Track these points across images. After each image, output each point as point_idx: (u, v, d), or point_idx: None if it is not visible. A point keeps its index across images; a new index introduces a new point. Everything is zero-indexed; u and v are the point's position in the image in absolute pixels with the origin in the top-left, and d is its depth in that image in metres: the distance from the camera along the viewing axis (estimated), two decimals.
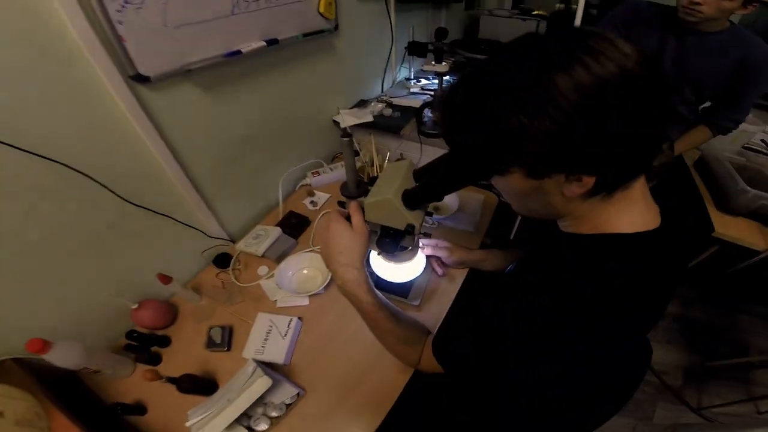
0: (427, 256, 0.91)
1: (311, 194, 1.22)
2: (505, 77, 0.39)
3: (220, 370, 0.77)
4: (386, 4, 1.50)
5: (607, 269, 0.44)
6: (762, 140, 1.77)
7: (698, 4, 1.07)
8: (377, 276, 0.81)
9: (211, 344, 0.78)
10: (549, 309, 0.45)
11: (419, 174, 0.64)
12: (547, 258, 0.51)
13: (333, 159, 1.45)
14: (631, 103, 0.35)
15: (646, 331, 0.57)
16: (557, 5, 3.07)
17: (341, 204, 0.72)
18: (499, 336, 0.50)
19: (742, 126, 1.59)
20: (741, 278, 1.53)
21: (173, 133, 0.83)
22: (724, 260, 1.31)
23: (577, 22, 1.65)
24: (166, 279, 0.79)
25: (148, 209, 0.81)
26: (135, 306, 0.78)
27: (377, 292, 0.64)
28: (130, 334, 0.77)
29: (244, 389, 0.65)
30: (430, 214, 1.10)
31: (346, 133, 0.60)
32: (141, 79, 0.71)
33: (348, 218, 0.64)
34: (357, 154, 1.34)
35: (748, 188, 1.26)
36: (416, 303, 0.88)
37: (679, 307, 2.01)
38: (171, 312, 0.85)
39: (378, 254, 0.76)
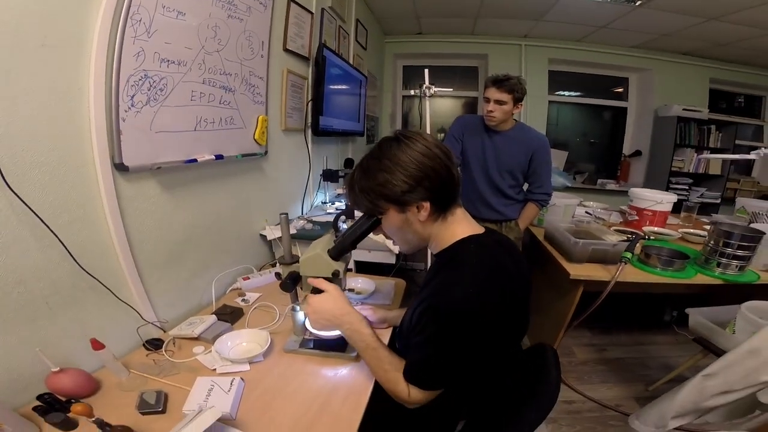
0: None
1: (242, 295, 1.30)
2: (375, 159, 0.74)
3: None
4: (305, 137, 1.95)
5: (464, 245, 0.76)
6: (586, 212, 2.50)
7: (492, 112, 1.68)
8: (318, 335, 0.99)
9: (143, 406, 0.72)
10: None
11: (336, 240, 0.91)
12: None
13: (261, 269, 1.56)
14: (431, 160, 0.72)
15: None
16: (437, 134, 4.33)
17: (278, 275, 0.98)
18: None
19: (565, 200, 2.26)
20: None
21: (131, 221, 0.95)
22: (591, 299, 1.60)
23: None
24: (99, 345, 0.77)
25: (96, 278, 0.85)
26: (56, 369, 0.72)
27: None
28: (42, 397, 0.68)
29: (192, 420, 0.62)
30: (350, 270, 1.27)
31: (283, 213, 0.91)
32: (122, 167, 0.89)
33: (316, 291, 0.86)
34: None
35: (578, 240, 1.68)
36: (353, 354, 0.97)
37: (596, 353, 2.25)
38: (94, 382, 0.78)
39: None
